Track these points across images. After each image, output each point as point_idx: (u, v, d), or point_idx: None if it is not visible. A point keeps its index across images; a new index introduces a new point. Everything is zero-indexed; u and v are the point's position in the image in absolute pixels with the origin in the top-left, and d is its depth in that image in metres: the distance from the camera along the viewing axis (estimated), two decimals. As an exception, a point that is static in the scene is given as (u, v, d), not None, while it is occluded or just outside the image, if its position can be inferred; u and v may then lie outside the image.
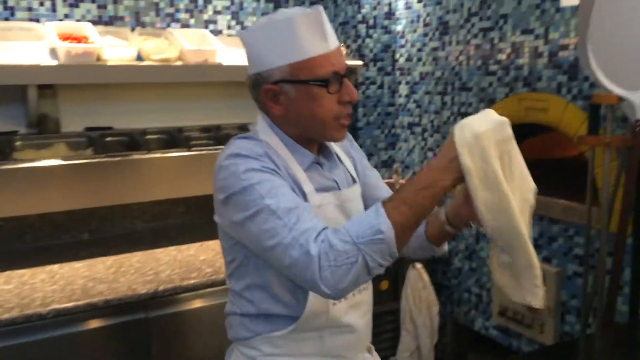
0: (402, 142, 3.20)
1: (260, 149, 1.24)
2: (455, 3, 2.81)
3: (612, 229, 2.11)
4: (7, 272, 2.25)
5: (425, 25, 2.98)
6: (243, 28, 3.04)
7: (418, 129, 3.09)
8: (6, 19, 2.49)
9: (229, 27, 3.01)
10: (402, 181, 3.13)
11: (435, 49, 2.95)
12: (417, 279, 2.70)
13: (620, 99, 1.99)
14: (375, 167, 3.16)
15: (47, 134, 2.49)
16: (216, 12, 2.96)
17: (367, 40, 3.06)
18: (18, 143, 2.41)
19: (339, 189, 1.36)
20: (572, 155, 2.65)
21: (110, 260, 2.41)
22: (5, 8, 2.49)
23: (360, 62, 3.02)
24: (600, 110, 2.18)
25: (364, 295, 1.40)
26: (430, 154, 3.03)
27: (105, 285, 2.14)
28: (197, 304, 2.18)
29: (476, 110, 2.75)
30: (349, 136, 1.49)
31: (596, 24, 2.03)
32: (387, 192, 1.49)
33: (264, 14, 3.09)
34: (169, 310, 2.13)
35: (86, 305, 2.01)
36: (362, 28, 3.03)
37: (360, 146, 3.02)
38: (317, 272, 1.08)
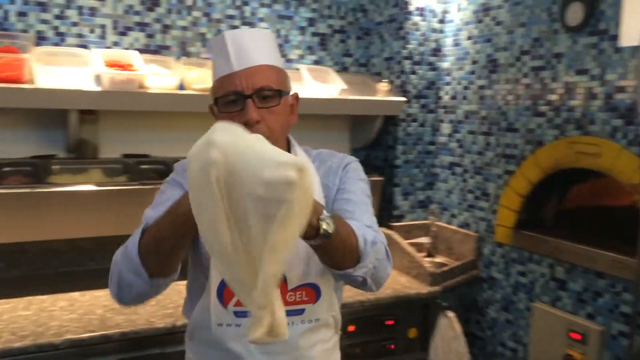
0: (441, 183, 2.94)
1: None
2: (506, 41, 2.56)
3: (671, 293, 1.79)
4: (29, 298, 2.12)
5: (474, 62, 2.74)
6: (287, 61, 2.89)
7: (459, 170, 2.83)
8: (56, 44, 2.42)
9: (273, 60, 2.86)
10: (438, 223, 2.86)
11: (482, 87, 2.70)
12: (448, 328, 2.41)
13: (687, 150, 1.69)
14: (412, 207, 2.91)
15: (84, 159, 2.38)
16: (261, 44, 2.82)
17: (412, 76, 2.84)
18: (55, 167, 2.30)
19: None
20: (624, 204, 2.33)
21: (132, 290, 2.25)
22: (57, 34, 2.43)
23: (403, 99, 2.80)
24: (661, 161, 1.88)
25: None
26: (470, 195, 2.75)
27: (124, 317, 1.97)
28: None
29: (522, 153, 2.47)
30: (347, 162, 1.39)
31: (660, 67, 1.75)
32: (346, 212, 1.29)
33: (309, 47, 2.93)
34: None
35: (101, 337, 1.85)
36: (407, 64, 2.82)
37: (397, 185, 2.84)
38: None
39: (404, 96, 2.82)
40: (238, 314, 1.25)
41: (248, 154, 0.87)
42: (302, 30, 2.92)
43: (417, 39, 2.83)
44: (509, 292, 2.54)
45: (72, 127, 2.29)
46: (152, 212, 1.22)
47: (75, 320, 1.93)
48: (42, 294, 2.16)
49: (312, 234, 1.01)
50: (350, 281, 1.18)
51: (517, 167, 2.50)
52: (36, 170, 2.26)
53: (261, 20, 2.81)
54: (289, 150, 1.37)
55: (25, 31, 2.37)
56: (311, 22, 2.93)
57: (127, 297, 1.17)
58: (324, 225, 1.01)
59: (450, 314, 2.40)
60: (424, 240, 2.81)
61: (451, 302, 2.47)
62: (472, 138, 2.75)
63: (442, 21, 2.88)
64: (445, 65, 2.90)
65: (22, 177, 2.24)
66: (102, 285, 2.25)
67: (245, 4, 2.77)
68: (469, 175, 2.76)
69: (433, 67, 2.89)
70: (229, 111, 1.22)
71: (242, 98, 1.20)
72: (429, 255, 2.78)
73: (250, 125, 1.18)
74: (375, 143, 2.99)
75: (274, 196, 0.84)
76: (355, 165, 1.40)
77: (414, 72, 2.84)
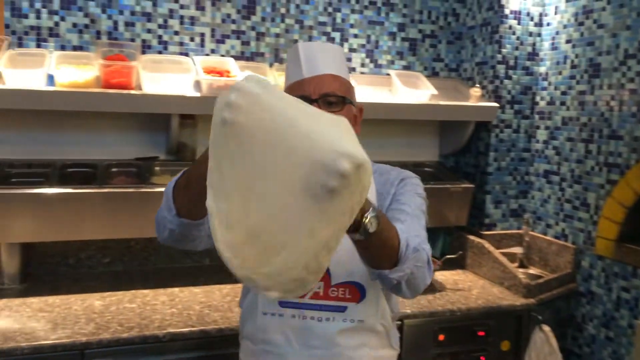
0: (536, 191, 2.83)
1: None
2: (609, 44, 2.43)
3: None
4: (132, 291, 2.24)
5: (573, 67, 2.62)
6: (377, 66, 2.90)
7: (555, 178, 2.71)
8: (159, 52, 2.56)
9: (362, 65, 2.88)
10: (532, 233, 2.76)
11: (582, 93, 2.57)
12: (544, 342, 2.31)
13: None
14: (503, 215, 2.82)
15: (183, 161, 2.50)
16: (351, 50, 2.85)
17: (506, 81, 2.76)
18: (157, 168, 2.43)
19: None
20: None
21: (227, 288, 2.33)
22: (160, 42, 2.57)
23: (496, 104, 2.73)
24: None
25: (314, 325, 1.33)
26: (568, 205, 2.63)
27: (220, 314, 2.04)
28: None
29: (627, 162, 2.34)
30: (406, 175, 1.42)
31: None
32: (397, 220, 1.27)
33: (398, 52, 2.92)
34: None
35: (200, 332, 1.92)
36: (501, 69, 2.74)
37: (488, 192, 2.76)
38: None
39: (497, 102, 2.75)
40: (282, 304, 1.34)
41: (294, 117, 0.83)
42: (392, 35, 2.91)
43: (513, 42, 2.75)
44: (610, 307, 2.40)
45: (173, 131, 2.41)
46: None
47: (176, 314, 2.02)
48: (145, 288, 2.28)
49: (353, 228, 0.97)
50: (385, 282, 1.17)
51: (621, 176, 2.36)
52: (140, 171, 2.39)
53: (351, 26, 2.83)
54: None
55: (132, 40, 2.52)
56: (401, 27, 2.92)
57: (161, 234, 1.21)
58: (367, 223, 0.98)
59: (546, 328, 2.30)
60: (517, 250, 2.71)
61: (546, 316, 2.37)
62: (570, 145, 2.63)
63: (539, 24, 2.78)
64: (541, 69, 2.79)
65: (126, 177, 2.38)
66: (200, 282, 2.37)
67: (337, 10, 2.81)
68: (566, 184, 2.64)
69: (529, 72, 2.79)
70: None
71: (309, 102, 1.26)
72: (522, 266, 2.68)
73: None
74: (466, 149, 2.92)
75: (321, 180, 0.78)
76: (414, 181, 1.42)
77: (508, 77, 2.76)
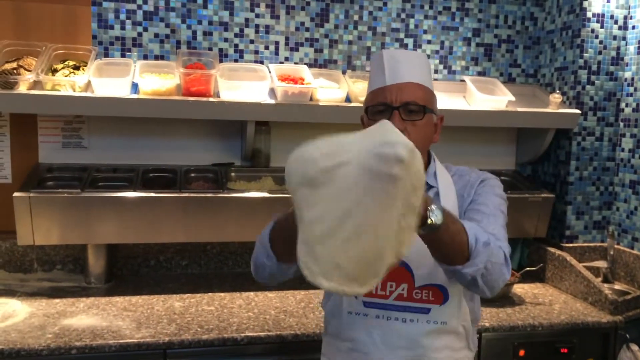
0: (621, 203, 2.71)
1: None
2: (703, 47, 2.32)
3: None
4: (210, 294, 2.32)
5: (662, 71, 2.51)
6: (450, 72, 2.88)
7: (643, 188, 2.60)
8: (235, 61, 2.64)
9: (436, 72, 2.86)
10: (617, 246, 2.64)
11: (672, 99, 2.46)
12: (633, 362, 2.21)
13: None
14: (585, 227, 2.72)
15: (257, 168, 2.56)
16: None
17: (588, 87, 2.67)
18: (233, 174, 2.50)
19: None
20: None
21: (301, 294, 2.36)
22: (236, 51, 2.65)
23: (577, 111, 2.64)
24: None
25: (398, 326, 1.36)
26: (657, 217, 2.51)
27: (296, 320, 2.08)
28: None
29: None
30: (485, 177, 1.45)
31: None
32: (473, 220, 1.32)
33: (473, 58, 2.89)
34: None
35: (276, 337, 1.96)
36: (582, 74, 2.66)
37: (569, 203, 2.68)
38: None
39: (578, 108, 2.66)
40: (367, 304, 1.38)
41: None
42: (467, 41, 2.88)
43: (595, 47, 2.66)
44: None
45: (248, 137, 2.47)
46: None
47: (252, 318, 2.07)
48: (221, 291, 2.35)
49: (419, 223, 1.04)
50: (460, 278, 1.21)
51: None
52: (216, 176, 2.47)
53: (425, 32, 2.83)
54: (428, 164, 1.46)
55: (210, 49, 2.61)
56: (476, 32, 2.89)
57: (261, 276, 1.35)
58: (432, 216, 1.06)
59: (635, 347, 2.20)
60: (601, 264, 2.61)
61: (634, 335, 2.26)
62: (660, 154, 2.52)
63: (623, 27, 2.68)
64: (627, 74, 2.69)
65: (204, 182, 2.46)
66: (273, 287, 2.41)
67: (410, 16, 2.81)
68: (656, 195, 2.53)
69: (613, 77, 2.69)
70: (376, 119, 1.34)
71: (390, 109, 1.34)
72: (606, 280, 2.57)
73: None
74: (544, 158, 2.85)
75: (384, 170, 0.91)
76: (493, 182, 1.45)
77: (590, 83, 2.67)
